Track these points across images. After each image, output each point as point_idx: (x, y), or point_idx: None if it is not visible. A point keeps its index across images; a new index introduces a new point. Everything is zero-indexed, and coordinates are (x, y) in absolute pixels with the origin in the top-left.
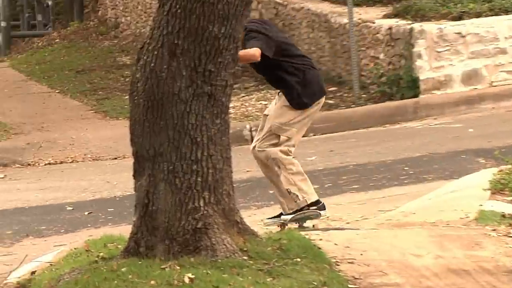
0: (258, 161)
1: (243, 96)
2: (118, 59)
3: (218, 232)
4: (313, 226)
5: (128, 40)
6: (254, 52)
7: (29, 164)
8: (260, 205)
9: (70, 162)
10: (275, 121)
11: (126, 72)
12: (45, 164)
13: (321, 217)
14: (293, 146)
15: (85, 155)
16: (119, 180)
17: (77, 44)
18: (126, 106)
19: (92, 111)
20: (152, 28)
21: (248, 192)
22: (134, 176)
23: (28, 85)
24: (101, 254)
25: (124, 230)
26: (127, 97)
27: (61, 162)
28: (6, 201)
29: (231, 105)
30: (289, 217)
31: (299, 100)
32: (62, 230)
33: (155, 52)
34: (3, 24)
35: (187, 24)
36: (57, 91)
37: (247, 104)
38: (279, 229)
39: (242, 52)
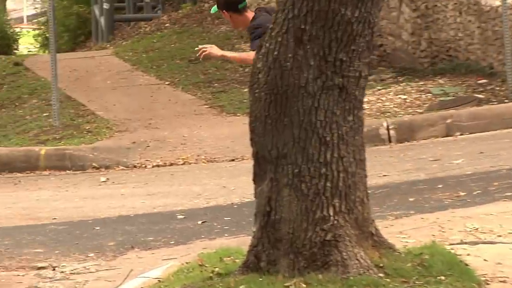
0: None
1: (379, 90)
2: (237, 46)
3: (350, 245)
4: None
5: None
6: None
7: (134, 166)
8: (398, 215)
9: (182, 164)
10: None
11: None
12: (153, 166)
13: None
14: None
15: (198, 156)
16: (236, 185)
17: (190, 29)
18: (245, 101)
19: (207, 106)
20: (276, 11)
21: (385, 200)
22: (254, 180)
23: (134, 75)
24: (217, 269)
25: (243, 242)
26: (246, 90)
27: (171, 164)
28: (108, 208)
29: (365, 99)
30: None
31: None
32: (172, 242)
33: (279, 39)
34: (105, 6)
35: (316, 6)
36: (166, 82)
37: (383, 98)
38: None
39: (244, 55)
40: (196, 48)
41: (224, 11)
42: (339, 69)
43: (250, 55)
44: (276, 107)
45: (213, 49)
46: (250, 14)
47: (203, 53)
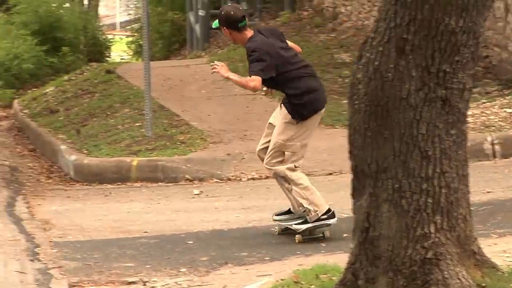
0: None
1: (484, 103)
2: (336, 56)
3: (452, 263)
4: (323, 234)
5: (348, 34)
6: (254, 85)
7: (229, 179)
8: (502, 233)
9: None
10: (278, 138)
11: (345, 72)
12: (248, 179)
13: (331, 225)
14: (302, 157)
15: None
16: (334, 200)
17: (288, 38)
18: (344, 112)
19: None
20: (377, 20)
21: (488, 217)
22: (353, 195)
23: (229, 85)
24: (312, 286)
25: (340, 259)
26: (345, 101)
27: (267, 177)
28: (202, 221)
29: (469, 112)
30: (303, 227)
31: (298, 111)
32: (267, 258)
33: (380, 49)
34: (201, 13)
35: (419, 15)
36: (262, 93)
37: (488, 112)
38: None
39: (243, 80)
40: (211, 63)
41: (224, 27)
42: (442, 80)
43: (248, 81)
44: (376, 119)
45: (222, 69)
46: (249, 33)
47: (214, 69)
